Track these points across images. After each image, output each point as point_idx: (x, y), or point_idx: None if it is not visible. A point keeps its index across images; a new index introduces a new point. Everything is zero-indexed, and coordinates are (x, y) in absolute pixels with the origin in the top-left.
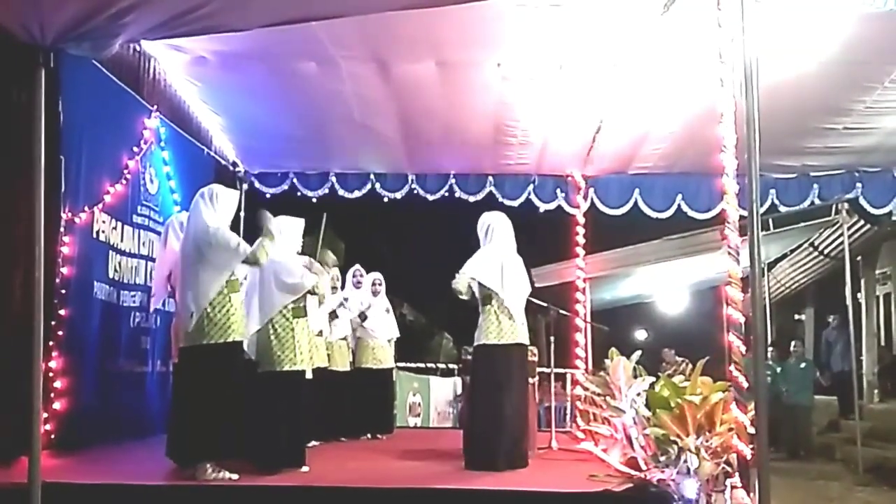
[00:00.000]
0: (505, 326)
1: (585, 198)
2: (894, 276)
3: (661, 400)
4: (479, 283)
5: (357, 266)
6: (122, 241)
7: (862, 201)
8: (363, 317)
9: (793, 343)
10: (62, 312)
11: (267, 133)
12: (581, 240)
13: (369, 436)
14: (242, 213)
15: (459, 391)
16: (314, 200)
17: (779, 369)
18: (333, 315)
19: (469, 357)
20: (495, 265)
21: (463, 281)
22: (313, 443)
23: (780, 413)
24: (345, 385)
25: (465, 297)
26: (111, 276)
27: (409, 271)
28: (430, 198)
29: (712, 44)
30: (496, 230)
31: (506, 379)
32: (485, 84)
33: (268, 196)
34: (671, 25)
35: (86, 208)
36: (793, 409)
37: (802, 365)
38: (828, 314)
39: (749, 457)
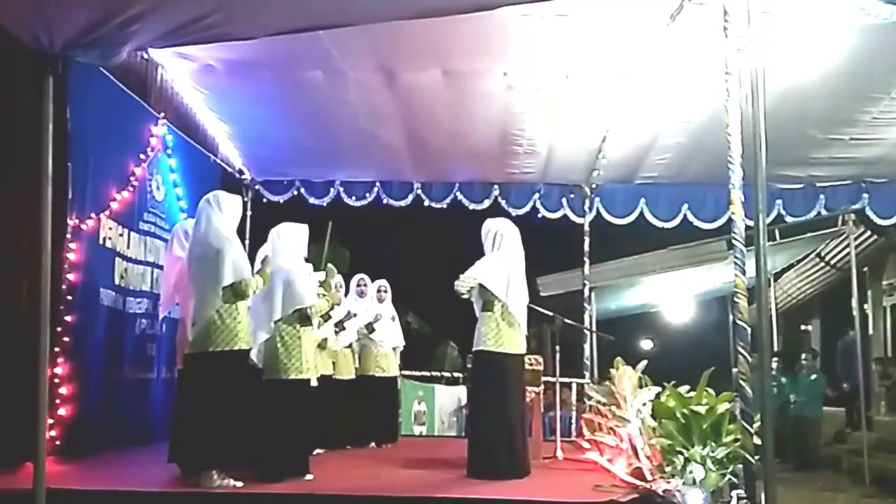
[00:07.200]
0: (505, 334)
1: (591, 207)
2: None
3: (667, 410)
4: (483, 289)
5: (362, 275)
6: (128, 247)
7: (869, 212)
8: (371, 329)
9: (803, 355)
10: (68, 319)
11: (273, 141)
12: (587, 249)
13: (374, 444)
14: (248, 221)
15: (464, 400)
16: (321, 207)
17: (784, 379)
18: (340, 327)
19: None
20: (503, 272)
21: (466, 285)
22: (318, 451)
23: (788, 424)
24: (349, 393)
25: (465, 297)
26: (117, 282)
27: (415, 279)
28: (436, 206)
29: (718, 54)
30: (506, 238)
31: (505, 386)
32: (491, 93)
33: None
34: (677, 36)
35: (92, 215)
36: (800, 420)
37: (813, 377)
38: (834, 325)
39: (755, 468)
